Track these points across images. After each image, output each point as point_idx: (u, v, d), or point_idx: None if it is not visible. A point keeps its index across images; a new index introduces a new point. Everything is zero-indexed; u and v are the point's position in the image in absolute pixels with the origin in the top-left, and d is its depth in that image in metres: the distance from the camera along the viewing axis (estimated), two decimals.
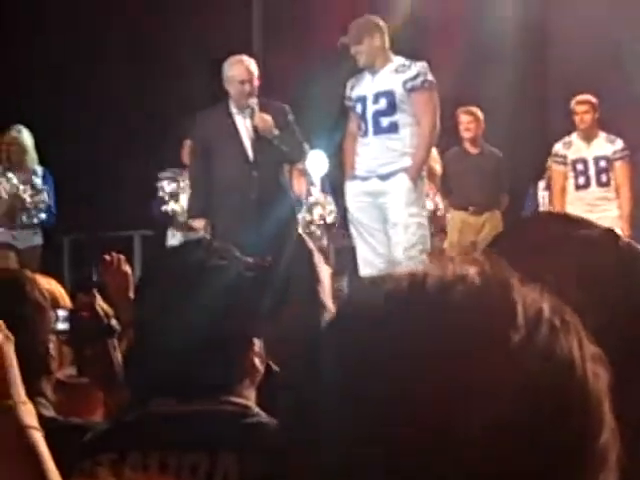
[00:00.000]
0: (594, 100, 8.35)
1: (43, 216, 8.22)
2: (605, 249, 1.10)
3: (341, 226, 9.12)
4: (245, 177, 6.58)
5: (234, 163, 6.61)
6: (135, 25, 10.09)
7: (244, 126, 6.73)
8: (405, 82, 6.57)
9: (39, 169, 8.33)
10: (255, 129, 6.65)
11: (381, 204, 6.61)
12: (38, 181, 8.26)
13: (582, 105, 8.36)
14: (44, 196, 8.21)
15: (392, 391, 0.70)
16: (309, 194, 9.25)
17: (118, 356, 2.67)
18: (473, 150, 8.92)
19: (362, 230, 6.74)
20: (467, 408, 0.68)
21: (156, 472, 1.78)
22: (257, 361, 1.93)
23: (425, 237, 6.67)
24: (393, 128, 6.58)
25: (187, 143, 8.72)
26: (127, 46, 10.20)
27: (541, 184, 9.16)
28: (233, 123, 6.74)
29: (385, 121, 6.59)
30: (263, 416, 1.84)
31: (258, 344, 1.94)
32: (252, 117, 6.65)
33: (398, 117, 6.57)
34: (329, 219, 9.21)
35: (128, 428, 1.89)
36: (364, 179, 6.69)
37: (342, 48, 6.77)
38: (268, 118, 6.62)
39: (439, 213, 8.82)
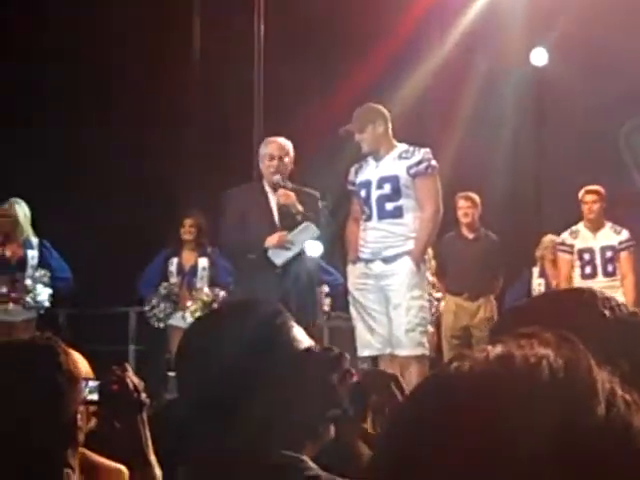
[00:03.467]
0: (602, 190, 8.40)
1: (44, 295, 8.20)
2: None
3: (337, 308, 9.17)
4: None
5: (264, 227, 6.82)
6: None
7: (275, 202, 6.96)
8: (409, 168, 6.68)
9: (34, 240, 8.30)
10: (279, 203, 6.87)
11: (384, 286, 6.67)
12: (30, 253, 8.23)
13: (591, 195, 8.39)
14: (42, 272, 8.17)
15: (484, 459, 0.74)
16: None
17: (147, 432, 2.65)
18: (470, 235, 8.98)
19: (362, 311, 6.78)
20: None
21: None
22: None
23: (426, 319, 6.73)
24: (397, 212, 6.68)
25: (187, 222, 8.81)
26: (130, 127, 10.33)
27: (535, 270, 9.17)
28: (266, 199, 6.99)
29: (389, 205, 6.69)
30: (318, 470, 1.82)
31: None
32: (275, 191, 6.89)
33: (402, 202, 6.67)
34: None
35: None
36: (368, 262, 6.75)
37: (345, 135, 6.87)
38: (291, 194, 6.81)
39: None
